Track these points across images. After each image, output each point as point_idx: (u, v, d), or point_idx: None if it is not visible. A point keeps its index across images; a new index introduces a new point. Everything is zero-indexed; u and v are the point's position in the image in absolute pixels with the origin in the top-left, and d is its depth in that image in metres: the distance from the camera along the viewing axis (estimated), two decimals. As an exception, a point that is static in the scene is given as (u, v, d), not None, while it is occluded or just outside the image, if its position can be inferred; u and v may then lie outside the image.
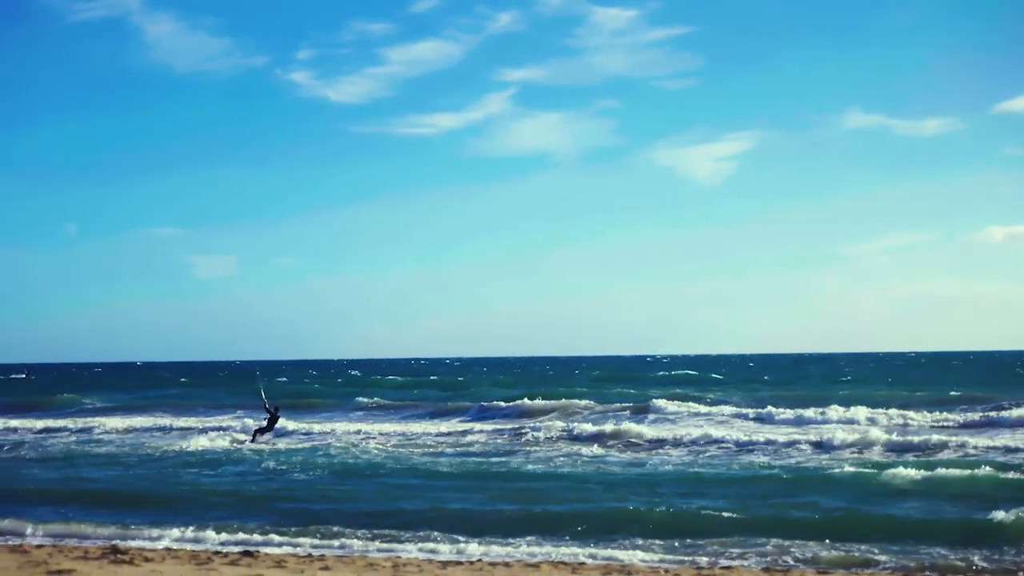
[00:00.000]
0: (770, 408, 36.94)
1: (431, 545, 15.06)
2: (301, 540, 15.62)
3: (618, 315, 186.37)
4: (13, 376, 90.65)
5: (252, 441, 30.39)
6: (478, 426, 35.57)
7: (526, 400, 43.18)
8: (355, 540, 15.41)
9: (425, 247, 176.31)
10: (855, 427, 31.10)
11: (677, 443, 28.23)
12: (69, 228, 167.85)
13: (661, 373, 79.80)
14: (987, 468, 20.43)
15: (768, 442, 27.41)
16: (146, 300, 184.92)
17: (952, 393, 43.27)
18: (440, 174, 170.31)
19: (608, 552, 14.32)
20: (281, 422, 31.79)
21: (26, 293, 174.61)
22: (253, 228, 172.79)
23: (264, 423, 31.18)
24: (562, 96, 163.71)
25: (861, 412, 34.64)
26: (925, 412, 34.84)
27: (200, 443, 30.14)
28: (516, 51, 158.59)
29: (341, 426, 35.65)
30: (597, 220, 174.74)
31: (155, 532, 16.49)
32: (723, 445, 27.43)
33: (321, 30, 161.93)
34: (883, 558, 13.71)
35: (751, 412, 36.84)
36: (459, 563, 13.60)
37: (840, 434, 27.58)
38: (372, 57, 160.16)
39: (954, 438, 26.87)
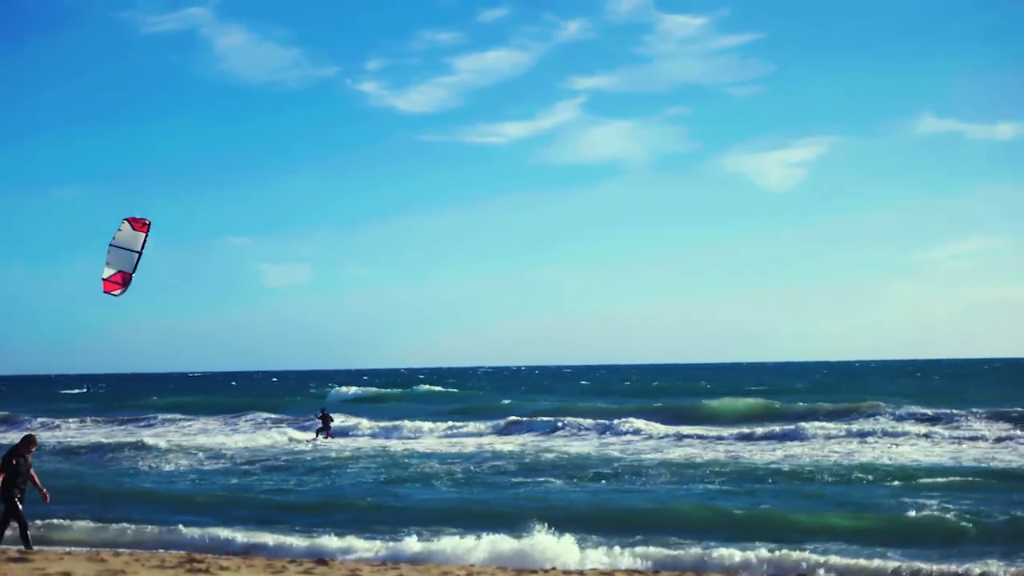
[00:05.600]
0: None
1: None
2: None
3: (689, 321, 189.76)
4: (69, 391, 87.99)
5: (315, 442, 35.68)
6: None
7: (454, 421, 43.95)
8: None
9: (496, 255, 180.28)
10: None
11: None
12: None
13: (656, 384, 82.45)
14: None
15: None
16: (216, 310, 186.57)
17: (847, 404, 42.08)
18: (511, 182, 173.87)
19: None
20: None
21: (96, 304, 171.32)
22: (324, 237, 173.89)
23: (319, 426, 37.45)
24: (632, 103, 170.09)
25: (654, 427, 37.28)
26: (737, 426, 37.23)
27: None
28: (585, 59, 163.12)
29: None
30: (669, 227, 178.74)
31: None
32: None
33: (390, 40, 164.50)
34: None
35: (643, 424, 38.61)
36: (533, 571, 14.54)
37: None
38: (441, 66, 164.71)
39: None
